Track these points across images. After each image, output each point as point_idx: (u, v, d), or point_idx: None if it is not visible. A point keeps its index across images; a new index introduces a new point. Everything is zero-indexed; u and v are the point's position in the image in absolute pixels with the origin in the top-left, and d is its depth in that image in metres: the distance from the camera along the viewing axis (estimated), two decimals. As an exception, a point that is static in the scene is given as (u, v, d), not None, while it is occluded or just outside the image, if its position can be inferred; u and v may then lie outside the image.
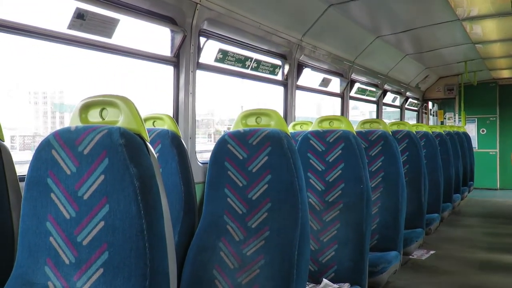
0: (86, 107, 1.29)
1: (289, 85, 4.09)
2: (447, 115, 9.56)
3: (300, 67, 4.25)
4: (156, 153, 2.25)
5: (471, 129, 9.20)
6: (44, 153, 1.23)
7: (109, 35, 2.40)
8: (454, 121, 9.37)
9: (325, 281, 2.41)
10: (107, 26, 2.37)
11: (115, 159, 1.15)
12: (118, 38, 2.46)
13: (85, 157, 1.18)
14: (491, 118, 9.29)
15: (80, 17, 2.23)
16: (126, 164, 1.14)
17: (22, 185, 1.37)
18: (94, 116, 1.29)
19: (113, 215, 1.13)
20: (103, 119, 1.28)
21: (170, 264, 1.17)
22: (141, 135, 1.23)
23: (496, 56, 7.16)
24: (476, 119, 9.33)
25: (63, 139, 1.22)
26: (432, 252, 4.65)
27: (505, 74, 8.79)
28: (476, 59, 7.25)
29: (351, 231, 2.53)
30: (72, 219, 1.18)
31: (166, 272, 1.16)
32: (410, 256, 4.12)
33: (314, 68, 4.66)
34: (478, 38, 5.87)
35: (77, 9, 2.22)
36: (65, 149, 1.21)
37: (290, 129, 3.49)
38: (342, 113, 5.49)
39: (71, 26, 2.22)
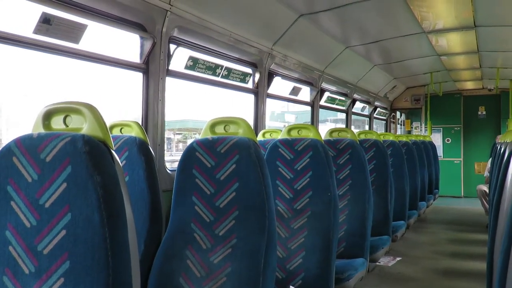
0: (49, 114, 1.27)
1: (259, 93, 4.12)
2: (414, 124, 9.80)
3: (270, 76, 4.28)
4: (123, 161, 2.23)
5: (437, 138, 9.47)
6: (4, 160, 1.20)
7: (77, 41, 2.37)
8: (421, 130, 9.62)
9: (292, 288, 2.42)
10: (75, 32, 2.33)
11: (79, 166, 1.14)
12: (86, 44, 2.43)
13: (47, 165, 1.16)
14: (456, 128, 9.59)
15: (46, 21, 2.19)
16: (89, 172, 1.13)
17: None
18: (57, 123, 1.28)
19: (75, 224, 1.12)
20: (67, 126, 1.27)
21: (134, 273, 1.16)
22: (105, 143, 1.22)
23: (460, 68, 7.41)
24: (441, 128, 9.61)
25: (25, 146, 1.20)
26: (398, 258, 4.75)
27: (469, 85, 9.10)
28: (441, 70, 7.48)
29: (319, 239, 2.55)
30: (32, 228, 1.16)
31: (130, 282, 1.15)
32: (377, 263, 4.19)
33: (284, 77, 4.71)
34: (443, 51, 6.07)
35: (43, 13, 2.18)
36: (26, 156, 1.18)
37: (259, 137, 3.51)
38: (312, 122, 5.56)
39: (36, 31, 2.18)
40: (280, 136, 2.85)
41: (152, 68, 2.83)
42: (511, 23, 4.70)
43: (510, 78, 8.24)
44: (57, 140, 1.17)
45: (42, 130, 1.26)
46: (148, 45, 2.77)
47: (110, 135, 1.27)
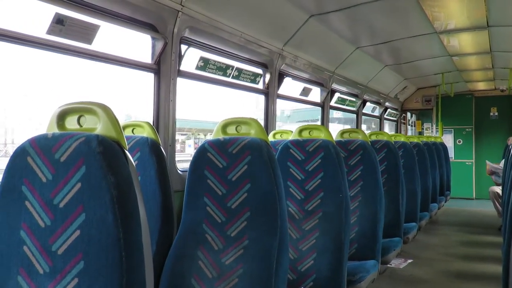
0: (63, 114, 1.28)
1: (270, 94, 4.11)
2: (425, 125, 9.73)
3: (281, 76, 4.27)
4: (135, 161, 2.24)
5: (448, 140, 9.38)
6: (19, 160, 1.20)
7: (89, 41, 2.38)
8: (432, 131, 9.54)
9: (303, 290, 2.41)
10: (87, 32, 2.34)
11: (93, 167, 1.14)
12: (98, 44, 2.44)
13: (62, 165, 1.17)
14: (467, 129, 9.50)
15: (59, 22, 2.21)
16: (103, 172, 1.13)
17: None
18: (71, 123, 1.28)
19: (89, 224, 1.12)
20: (81, 126, 1.27)
21: (147, 274, 1.16)
22: (119, 143, 1.22)
23: (472, 69, 7.33)
24: (452, 129, 9.52)
25: (39, 146, 1.20)
26: (409, 260, 4.71)
27: (480, 86, 9.01)
28: (453, 71, 7.42)
29: (330, 240, 2.54)
30: (47, 228, 1.16)
31: (143, 282, 1.15)
32: (388, 265, 4.16)
33: (295, 78, 4.70)
34: (455, 51, 6.02)
35: (57, 14, 2.19)
36: (41, 156, 1.19)
37: (270, 138, 3.50)
38: (322, 123, 5.54)
39: (50, 32, 2.19)
40: (291, 137, 2.83)
41: (164, 68, 2.83)
42: (525, 23, 4.65)
43: (523, 78, 8.15)
44: (71, 140, 1.17)
45: (56, 130, 1.26)
46: (159, 45, 2.78)
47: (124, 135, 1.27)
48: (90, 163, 1.14)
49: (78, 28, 2.29)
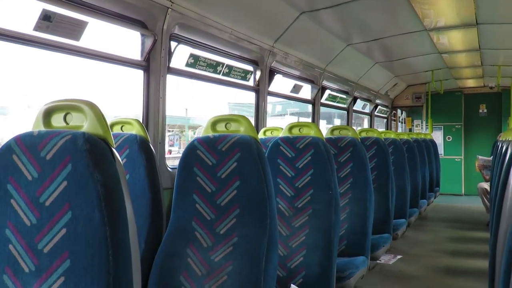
0: (49, 112, 1.27)
1: (260, 91, 4.11)
2: (415, 122, 9.79)
3: (271, 73, 4.27)
4: (123, 159, 2.23)
5: (438, 136, 9.45)
6: (4, 158, 1.19)
7: (77, 38, 2.36)
8: (422, 128, 9.61)
9: (293, 286, 2.42)
10: (75, 29, 2.32)
11: (79, 165, 1.13)
12: (86, 41, 2.42)
13: (48, 163, 1.16)
14: (457, 126, 9.57)
15: (46, 18, 2.18)
16: (90, 170, 1.12)
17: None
18: (58, 121, 1.27)
19: (75, 222, 1.11)
20: (67, 124, 1.26)
21: (134, 272, 1.16)
22: (106, 141, 1.21)
23: (461, 66, 7.39)
24: (442, 126, 9.60)
25: (25, 144, 1.19)
26: (399, 256, 4.74)
27: (470, 83, 9.08)
28: (442, 68, 7.46)
29: (320, 237, 2.55)
30: (33, 226, 1.15)
31: (130, 280, 1.14)
32: (378, 261, 4.18)
33: (285, 75, 4.70)
34: (444, 48, 6.06)
35: (44, 10, 2.17)
36: (26, 154, 1.18)
37: (260, 135, 3.50)
38: (313, 120, 5.55)
39: (37, 28, 2.17)
40: (281, 134, 2.84)
41: (153, 65, 2.82)
42: (513, 21, 4.69)
43: (512, 76, 8.22)
44: (57, 138, 1.16)
45: (42, 128, 1.25)
46: (149, 42, 2.76)
47: (111, 133, 1.26)
48: (76, 161, 1.13)
49: (66, 25, 2.27)
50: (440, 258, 4.74)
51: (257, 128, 4.04)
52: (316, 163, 2.65)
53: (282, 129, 2.95)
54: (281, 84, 4.64)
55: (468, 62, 7.01)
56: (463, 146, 9.52)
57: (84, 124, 1.23)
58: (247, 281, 1.84)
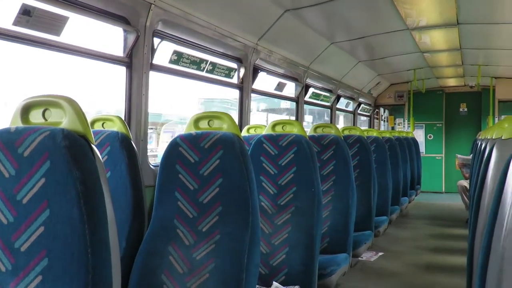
0: (27, 107, 1.24)
1: (244, 88, 4.10)
2: (397, 120, 9.90)
3: (255, 71, 4.27)
4: (104, 156, 2.20)
5: (419, 135, 9.58)
6: None
7: (58, 33, 2.31)
8: (404, 126, 9.72)
9: (275, 284, 2.42)
10: (56, 24, 2.28)
11: (58, 161, 1.11)
12: (67, 37, 2.38)
13: (25, 159, 1.14)
14: (438, 125, 9.72)
15: (26, 13, 2.14)
16: (69, 167, 1.10)
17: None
18: (36, 117, 1.25)
19: (54, 220, 1.09)
20: (46, 120, 1.24)
21: (114, 270, 1.14)
22: (86, 137, 1.20)
23: (442, 65, 7.49)
24: (424, 125, 9.73)
25: (2, 141, 1.17)
26: (380, 253, 4.80)
27: (451, 82, 9.22)
28: (424, 67, 7.56)
29: (302, 234, 2.56)
30: (10, 224, 1.13)
31: (110, 279, 1.13)
32: (359, 258, 4.23)
33: (269, 72, 4.70)
34: (426, 48, 6.13)
35: (23, 5, 2.12)
36: (3, 151, 1.15)
37: (244, 133, 3.50)
38: (297, 118, 5.57)
39: (16, 23, 2.12)
40: (264, 131, 2.84)
41: (136, 62, 2.79)
42: (493, 21, 4.77)
43: (491, 75, 8.37)
44: (35, 134, 1.14)
45: (20, 124, 1.23)
46: (131, 38, 2.73)
47: (91, 129, 1.24)
48: (55, 158, 1.11)
49: (46, 20, 2.23)
50: (421, 255, 4.81)
51: (241, 125, 4.04)
52: (299, 160, 2.66)
53: (266, 126, 2.95)
54: (265, 81, 4.64)
55: (449, 61, 7.12)
56: (444, 145, 9.67)
57: (63, 120, 1.21)
58: (229, 279, 1.84)
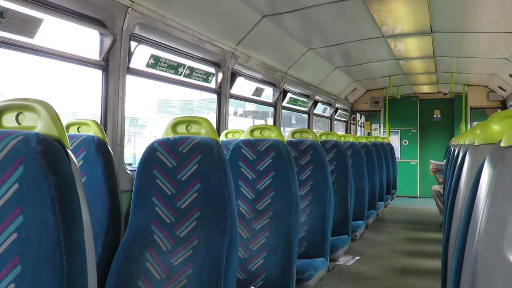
0: (0, 111, 1.21)
1: (222, 93, 4.10)
2: (373, 126, 10.05)
3: (233, 76, 4.27)
4: (80, 161, 2.16)
5: (395, 140, 9.74)
6: None
7: (32, 35, 2.27)
8: (380, 132, 9.87)
9: (253, 289, 2.42)
10: (29, 26, 2.24)
11: (32, 166, 1.09)
12: (42, 39, 2.33)
13: None
14: (413, 130, 9.91)
15: (-1, 14, 2.09)
16: (43, 172, 1.08)
17: None
18: (9, 121, 1.22)
19: (27, 226, 1.06)
20: (20, 124, 1.21)
21: (90, 277, 1.12)
22: (61, 142, 1.17)
23: (416, 72, 7.65)
24: (399, 130, 9.90)
25: None
26: (357, 258, 4.84)
27: (425, 89, 9.43)
28: (399, 74, 7.70)
29: (280, 239, 2.57)
30: None
31: (86, 285, 1.11)
32: (337, 262, 4.26)
33: (247, 77, 4.71)
34: (401, 55, 6.25)
35: (-4, 6, 2.08)
36: None
37: (222, 138, 3.49)
38: (274, 123, 5.59)
39: (-12, 24, 2.08)
40: (242, 136, 2.84)
41: (112, 65, 2.75)
42: (465, 30, 4.89)
43: (464, 83, 8.59)
44: (8, 139, 1.11)
45: (-8, 128, 1.20)
46: (108, 41, 2.70)
47: (66, 134, 1.22)
48: (29, 163, 1.09)
49: (20, 21, 2.18)
50: (396, 259, 4.88)
51: (219, 130, 4.03)
52: (277, 165, 2.67)
53: (244, 131, 2.95)
54: (243, 86, 4.65)
55: (423, 68, 7.27)
56: (418, 150, 9.85)
57: (37, 124, 1.18)
58: (206, 284, 1.83)
